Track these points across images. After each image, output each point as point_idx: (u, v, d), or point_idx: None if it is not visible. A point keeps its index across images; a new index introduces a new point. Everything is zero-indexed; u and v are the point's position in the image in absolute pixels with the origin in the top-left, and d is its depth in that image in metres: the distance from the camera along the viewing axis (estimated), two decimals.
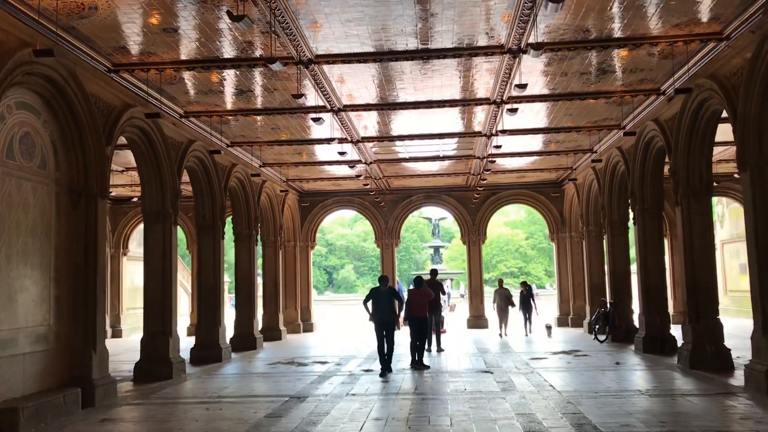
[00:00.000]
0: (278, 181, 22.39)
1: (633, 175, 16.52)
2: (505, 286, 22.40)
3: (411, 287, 15.54)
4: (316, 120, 12.85)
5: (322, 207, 26.96)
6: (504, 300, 21.78)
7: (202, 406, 10.46)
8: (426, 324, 15.05)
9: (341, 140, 16.86)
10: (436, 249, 67.15)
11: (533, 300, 22.32)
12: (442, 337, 18.80)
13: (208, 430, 8.67)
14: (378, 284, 14.32)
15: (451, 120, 15.81)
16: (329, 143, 16.26)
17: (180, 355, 14.34)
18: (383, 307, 13.59)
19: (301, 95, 11.50)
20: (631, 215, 17.15)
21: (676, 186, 13.68)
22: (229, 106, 14.13)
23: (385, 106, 14.21)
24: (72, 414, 9.82)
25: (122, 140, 13.73)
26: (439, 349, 17.60)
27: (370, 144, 18.21)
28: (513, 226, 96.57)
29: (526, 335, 21.42)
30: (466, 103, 14.09)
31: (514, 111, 12.87)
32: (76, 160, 11.00)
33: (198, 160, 16.06)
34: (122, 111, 12.14)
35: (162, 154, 13.83)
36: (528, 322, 22.00)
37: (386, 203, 26.59)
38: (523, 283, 22.99)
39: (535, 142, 18.58)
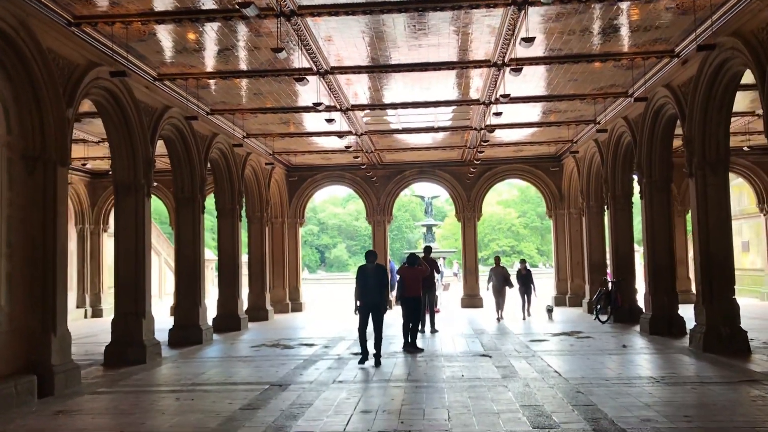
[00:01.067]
0: (264, 153, 21.26)
1: (640, 147, 15.50)
2: (502, 265, 20.40)
3: (404, 265, 14.55)
4: (299, 80, 11.70)
5: (312, 182, 25.84)
6: (501, 280, 19.46)
7: (173, 396, 9.48)
8: (420, 304, 14.10)
9: (329, 108, 15.75)
10: (429, 227, 66.00)
11: (532, 280, 20.28)
12: (436, 317, 17.86)
13: (173, 426, 7.66)
14: (366, 262, 12.33)
15: (447, 87, 14.71)
16: (317, 109, 15.07)
17: (155, 337, 13.33)
18: (371, 288, 11.87)
19: (281, 49, 10.34)
20: (637, 189, 16.21)
21: (691, 157, 12.67)
22: (207, 68, 12.98)
23: (376, 69, 13.08)
24: (25, 405, 8.80)
25: (95, 108, 12.67)
26: (433, 330, 16.65)
27: (361, 113, 17.10)
28: (505, 204, 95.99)
29: (524, 318, 19.52)
30: (464, 65, 12.99)
31: (518, 71, 11.76)
32: (32, 122, 9.86)
33: (175, 129, 14.92)
34: (86, 70, 10.98)
35: (133, 120, 12.70)
36: (527, 304, 20.01)
37: (378, 179, 25.50)
38: (522, 262, 21.18)
39: (535, 112, 17.49)
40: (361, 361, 11.75)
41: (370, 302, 11.87)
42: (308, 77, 12.83)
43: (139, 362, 12.43)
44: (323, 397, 8.92)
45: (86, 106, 13.12)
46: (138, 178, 13.02)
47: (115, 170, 13.06)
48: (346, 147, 19.43)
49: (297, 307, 25.14)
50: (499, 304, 19.52)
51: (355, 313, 12.10)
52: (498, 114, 15.32)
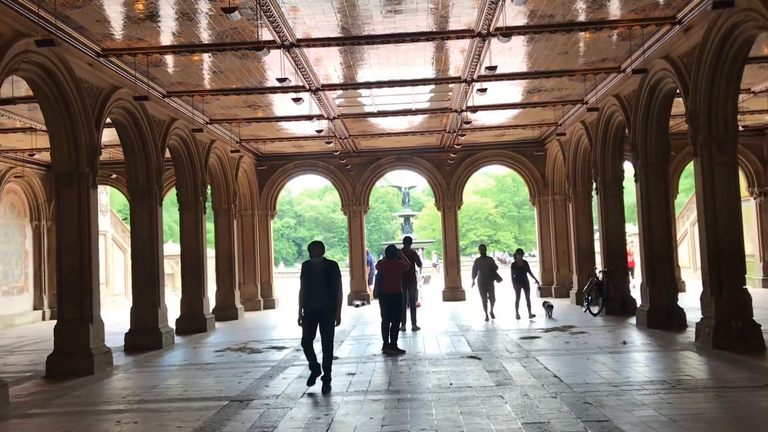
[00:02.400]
0: (230, 141, 19.80)
1: (634, 126, 14.35)
2: (489, 255, 17.84)
3: (381, 258, 13.29)
4: (258, 49, 10.30)
5: (283, 172, 24.41)
6: (488, 273, 16.54)
7: (115, 417, 8.12)
8: (400, 301, 12.83)
9: (297, 88, 14.38)
10: (407, 218, 64.84)
11: (531, 273, 17.42)
12: (418, 312, 16.65)
13: None
14: (311, 258, 9.38)
15: (425, 62, 13.38)
16: (284, 89, 13.72)
17: (105, 344, 11.93)
18: (316, 290, 9.13)
19: (233, 9, 8.94)
20: (629, 173, 15.11)
21: (695, 133, 11.52)
22: (159, 41, 11.52)
23: (347, 41, 11.71)
24: None
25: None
26: (415, 328, 15.39)
27: (333, 94, 15.74)
28: (482, 194, 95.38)
29: (519, 318, 16.60)
30: (444, 35, 11.68)
31: (507, 36, 10.45)
32: None
33: (126, 112, 13.46)
34: (11, 41, 9.51)
35: (74, 101, 11.24)
36: (526, 303, 16.91)
37: (353, 167, 24.15)
38: (519, 252, 18.22)
39: (518, 91, 16.22)
40: (310, 382, 9.11)
41: (316, 308, 9.16)
42: (272, 50, 11.50)
43: (85, 373, 11.03)
44: (290, 417, 7.62)
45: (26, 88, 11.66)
46: (81, 167, 11.58)
47: (54, 158, 11.60)
48: (317, 131, 18.04)
49: (269, 304, 23.74)
50: (487, 302, 16.70)
51: (299, 324, 9.34)
52: (482, 90, 14.02)
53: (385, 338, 12.31)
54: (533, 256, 71.74)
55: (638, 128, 14.19)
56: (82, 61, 11.51)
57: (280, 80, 11.86)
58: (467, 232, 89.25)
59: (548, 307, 17.29)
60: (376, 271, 13.45)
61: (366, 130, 20.51)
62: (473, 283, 16.81)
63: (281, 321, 19.45)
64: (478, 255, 17.29)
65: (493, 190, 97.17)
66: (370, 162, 24.23)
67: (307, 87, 14.47)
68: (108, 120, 13.58)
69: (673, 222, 14.78)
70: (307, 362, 9.40)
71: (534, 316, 16.67)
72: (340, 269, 9.54)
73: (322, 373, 9.12)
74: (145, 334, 14.14)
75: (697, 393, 7.96)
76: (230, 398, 8.76)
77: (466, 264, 58.28)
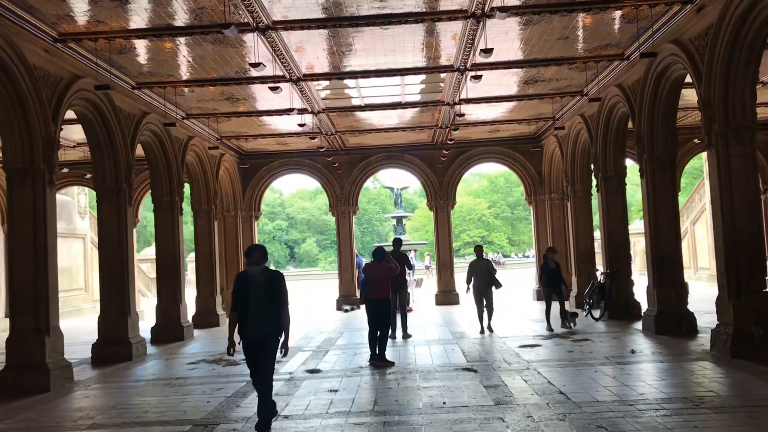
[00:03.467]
0: (209, 138, 18.71)
1: (639, 118, 13.38)
2: (487, 257, 16.06)
3: (369, 261, 12.26)
4: (224, 26, 9.21)
5: (268, 170, 23.33)
6: (485, 277, 14.38)
7: None
8: (388, 308, 11.75)
9: (277, 78, 13.34)
10: (399, 219, 63.88)
11: (562, 278, 15.14)
12: (409, 317, 15.64)
13: None
14: (249, 266, 7.05)
15: (414, 49, 12.36)
16: (262, 78, 12.67)
17: (65, 358, 10.85)
18: (256, 311, 6.87)
19: None
20: (631, 167, 14.14)
21: (709, 123, 10.53)
22: (120, 25, 10.45)
23: (330, 22, 10.67)
24: None
25: None
26: (406, 335, 14.35)
27: (316, 85, 14.70)
28: (475, 195, 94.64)
29: (551, 330, 14.22)
30: (436, 17, 10.66)
31: (504, 12, 9.39)
32: None
33: (90, 104, 12.38)
34: None
35: (26, 90, 10.17)
36: (563, 311, 14.70)
37: (341, 165, 23.11)
38: (551, 250, 15.63)
39: (513, 81, 15.19)
40: (259, 428, 6.93)
41: (256, 336, 6.88)
42: (247, 34, 10.48)
43: (40, 391, 9.97)
44: None
45: None
46: (36, 163, 10.49)
47: (5, 153, 10.50)
48: (299, 125, 16.91)
49: None
50: (483, 312, 14.61)
51: (230, 353, 7.02)
52: (477, 78, 12.97)
53: (372, 349, 11.27)
54: (527, 257, 71.13)
55: (644, 120, 13.22)
56: (35, 47, 10.43)
57: (253, 65, 10.78)
58: (460, 233, 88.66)
59: (572, 315, 14.80)
60: (363, 276, 12.41)
61: (354, 126, 19.47)
62: (468, 289, 14.75)
63: None
64: (474, 257, 15.10)
65: (486, 190, 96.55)
66: (359, 160, 23.20)
67: (288, 77, 13.43)
68: (74, 114, 12.62)
69: (679, 220, 13.76)
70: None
71: (574, 325, 14.60)
72: (284, 281, 7.06)
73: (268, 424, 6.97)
74: (114, 345, 13.06)
75: (724, 413, 6.96)
76: (194, 422, 7.72)
77: (460, 266, 57.27)
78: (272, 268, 7.59)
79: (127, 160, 13.49)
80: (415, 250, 55.25)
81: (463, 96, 15.68)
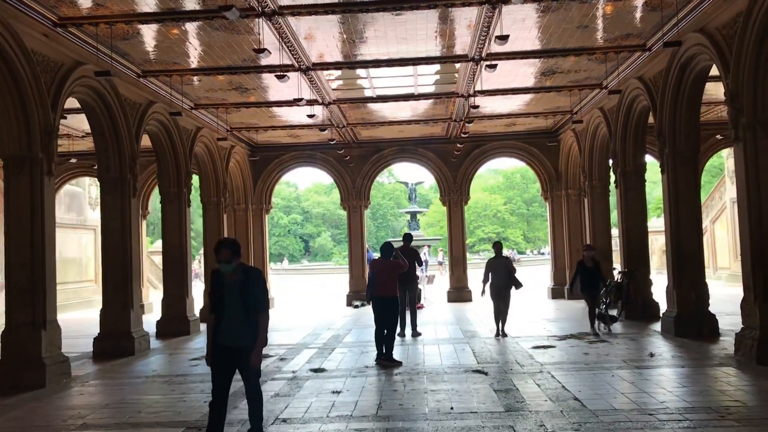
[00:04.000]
0: (219, 129, 18.34)
1: (661, 110, 12.84)
2: (505, 254, 14.62)
3: (376, 257, 11.83)
4: (225, 8, 8.81)
5: (279, 163, 22.96)
6: (504, 276, 13.19)
7: None
8: (395, 306, 11.24)
9: (285, 67, 12.93)
10: (413, 215, 63.40)
11: (603, 276, 13.82)
12: (419, 314, 15.22)
13: None
14: (218, 264, 6.02)
15: (427, 37, 11.92)
16: (270, 67, 12.26)
17: (62, 353, 10.54)
18: (229, 316, 6.05)
19: None
20: (649, 163, 13.60)
21: (736, 115, 9.99)
22: (127, 7, 10.08)
23: (339, 8, 10.24)
24: None
25: None
26: (415, 333, 13.93)
27: (327, 75, 14.29)
28: (491, 191, 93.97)
29: (597, 335, 12.97)
30: (450, 2, 10.17)
31: None
32: None
33: (93, 91, 12.05)
34: None
35: (24, 76, 9.84)
36: (607, 317, 13.92)
37: (353, 159, 22.70)
38: (589, 248, 14.33)
39: (530, 72, 14.65)
40: None
41: (230, 345, 6.08)
42: (255, 19, 10.09)
43: (35, 387, 9.66)
44: None
45: None
46: (34, 151, 10.17)
47: (2, 141, 10.18)
48: (308, 116, 16.43)
49: None
50: (500, 313, 13.41)
51: (208, 363, 6.33)
52: (492, 67, 12.46)
53: (379, 348, 10.86)
54: (543, 254, 70.36)
55: (666, 113, 12.68)
56: (34, 32, 10.10)
57: (258, 51, 10.35)
58: (475, 229, 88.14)
59: (611, 318, 14.01)
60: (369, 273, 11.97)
61: (366, 118, 19.04)
62: (483, 291, 13.51)
63: (274, 323, 18.00)
64: (492, 254, 14.04)
65: (501, 186, 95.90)
66: (371, 153, 22.77)
67: (296, 65, 13.03)
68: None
69: (701, 217, 13.23)
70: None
71: (609, 329, 13.65)
72: (262, 279, 6.16)
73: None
74: (117, 339, 12.78)
75: (753, 426, 6.46)
76: (188, 424, 7.36)
77: (474, 263, 56.73)
78: (250, 264, 6.98)
79: (132, 150, 13.16)
80: (429, 246, 54.86)
81: (478, 88, 15.22)
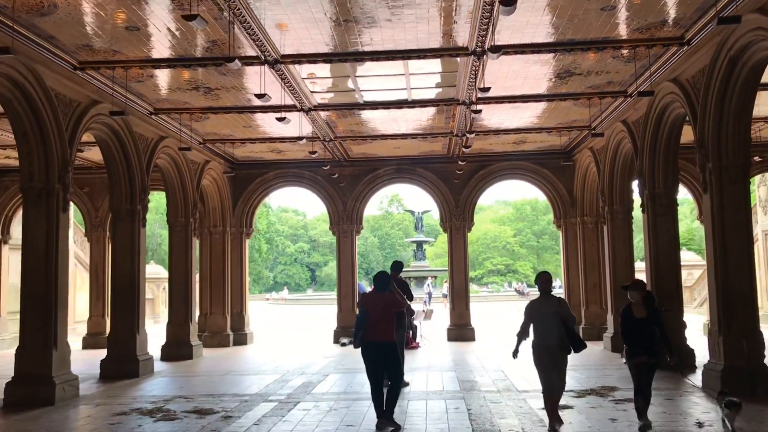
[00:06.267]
0: (188, 139, 16.14)
1: (703, 118, 10.55)
2: (556, 293, 8.91)
3: (368, 291, 9.37)
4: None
5: (262, 182, 20.70)
6: (553, 328, 8.05)
7: None
8: (395, 353, 8.66)
9: (246, 60, 10.74)
10: (419, 244, 61.35)
11: (663, 327, 8.12)
12: (413, 355, 12.76)
13: None
14: None
15: (420, 17, 9.72)
16: (225, 59, 10.03)
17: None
18: None
19: None
20: (681, 186, 11.24)
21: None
22: None
23: None
24: None
25: None
26: (402, 383, 11.44)
27: (301, 70, 12.07)
28: (500, 222, 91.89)
29: (647, 425, 8.07)
30: None
31: None
32: None
33: (10, 82, 9.88)
34: None
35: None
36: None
37: (344, 178, 20.45)
38: (635, 285, 8.38)
39: (544, 74, 12.43)
40: None
41: None
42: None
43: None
44: None
45: None
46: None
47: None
48: (278, 119, 13.39)
49: (241, 339, 19.85)
50: (555, 391, 8.23)
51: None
52: (496, 50, 10.03)
53: (378, 408, 8.36)
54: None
55: (709, 120, 10.39)
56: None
57: (187, 18, 8.04)
58: (484, 260, 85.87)
59: (735, 406, 7.65)
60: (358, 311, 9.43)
61: (356, 130, 16.79)
62: (516, 350, 8.27)
63: (250, 362, 15.78)
64: (536, 295, 8.52)
65: (511, 218, 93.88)
66: (365, 173, 20.50)
67: (263, 57, 10.82)
68: None
69: (752, 248, 10.86)
70: None
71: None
72: None
73: None
74: (30, 387, 10.41)
75: None
76: None
77: (481, 296, 54.03)
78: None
79: (63, 154, 10.91)
80: (434, 277, 52.45)
81: (482, 95, 13.00)
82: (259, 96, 10.80)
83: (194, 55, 10.86)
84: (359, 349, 8.61)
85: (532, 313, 8.25)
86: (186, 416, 9.31)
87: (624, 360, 8.24)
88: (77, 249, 25.46)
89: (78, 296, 25.08)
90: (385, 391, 8.48)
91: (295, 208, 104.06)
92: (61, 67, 10.72)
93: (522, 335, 8.29)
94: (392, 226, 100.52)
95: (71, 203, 21.80)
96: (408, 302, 9.02)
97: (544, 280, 8.38)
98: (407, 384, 11.57)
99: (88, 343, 19.85)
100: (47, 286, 10.72)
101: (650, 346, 8.01)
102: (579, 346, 8.11)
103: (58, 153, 10.83)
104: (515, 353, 8.33)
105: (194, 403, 10.24)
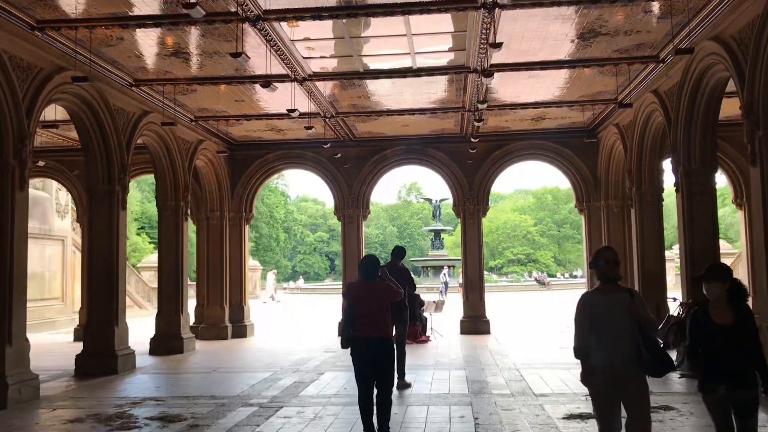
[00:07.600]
0: (179, 116, 14.85)
1: (751, 80, 9.03)
2: (625, 285, 5.59)
3: (355, 281, 8.03)
4: None
5: (262, 164, 19.36)
6: (624, 335, 5.08)
7: None
8: (391, 353, 7.24)
9: (221, 17, 9.40)
10: (437, 233, 59.91)
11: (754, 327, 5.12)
12: (421, 349, 11.42)
13: None
14: None
15: None
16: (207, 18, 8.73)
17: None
18: None
19: None
20: (723, 160, 9.73)
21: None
22: None
23: None
24: None
25: None
26: (401, 384, 10.11)
27: (295, 34, 10.70)
28: (521, 211, 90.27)
29: None
30: None
31: None
32: None
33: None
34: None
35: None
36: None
37: (350, 160, 19.06)
38: (711, 275, 5.10)
39: (565, 34, 10.95)
40: None
41: None
42: None
43: None
44: None
45: None
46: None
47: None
48: (262, 85, 11.81)
49: (240, 332, 18.60)
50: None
51: None
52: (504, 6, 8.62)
53: (367, 422, 7.03)
54: (575, 277, 65.62)
55: (760, 80, 8.85)
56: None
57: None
58: (504, 250, 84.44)
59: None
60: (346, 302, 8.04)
61: (359, 105, 15.37)
62: (586, 374, 5.18)
63: (246, 357, 14.58)
64: (593, 285, 5.70)
65: (531, 207, 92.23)
66: (371, 154, 19.10)
67: (242, 14, 9.46)
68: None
69: None
70: None
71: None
72: None
73: None
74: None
75: None
76: None
77: (501, 285, 52.49)
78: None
79: (20, 127, 9.65)
80: (451, 267, 50.96)
81: (494, 60, 11.58)
82: (234, 55, 9.42)
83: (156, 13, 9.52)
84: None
85: (592, 313, 5.16)
86: (147, 424, 8.05)
87: (702, 395, 5.10)
88: (75, 235, 24.46)
89: (76, 285, 24.12)
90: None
91: (314, 198, 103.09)
92: (15, 26, 9.48)
93: (582, 351, 5.18)
94: (411, 215, 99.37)
95: (63, 186, 21.03)
96: (402, 292, 7.59)
97: (607, 258, 5.25)
98: (409, 385, 10.26)
99: (80, 335, 18.72)
100: (3, 272, 9.51)
101: (742, 370, 4.91)
102: (663, 366, 5.05)
103: (14, 124, 9.57)
104: (584, 377, 5.17)
105: (163, 408, 8.98)
